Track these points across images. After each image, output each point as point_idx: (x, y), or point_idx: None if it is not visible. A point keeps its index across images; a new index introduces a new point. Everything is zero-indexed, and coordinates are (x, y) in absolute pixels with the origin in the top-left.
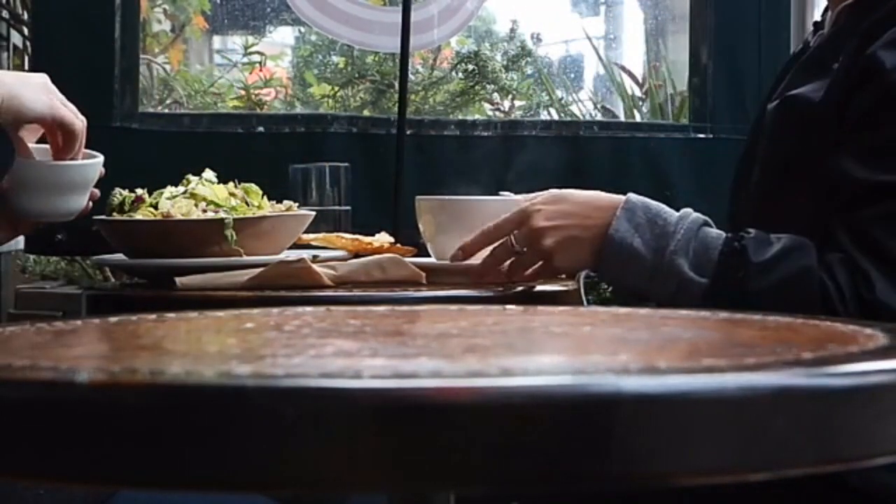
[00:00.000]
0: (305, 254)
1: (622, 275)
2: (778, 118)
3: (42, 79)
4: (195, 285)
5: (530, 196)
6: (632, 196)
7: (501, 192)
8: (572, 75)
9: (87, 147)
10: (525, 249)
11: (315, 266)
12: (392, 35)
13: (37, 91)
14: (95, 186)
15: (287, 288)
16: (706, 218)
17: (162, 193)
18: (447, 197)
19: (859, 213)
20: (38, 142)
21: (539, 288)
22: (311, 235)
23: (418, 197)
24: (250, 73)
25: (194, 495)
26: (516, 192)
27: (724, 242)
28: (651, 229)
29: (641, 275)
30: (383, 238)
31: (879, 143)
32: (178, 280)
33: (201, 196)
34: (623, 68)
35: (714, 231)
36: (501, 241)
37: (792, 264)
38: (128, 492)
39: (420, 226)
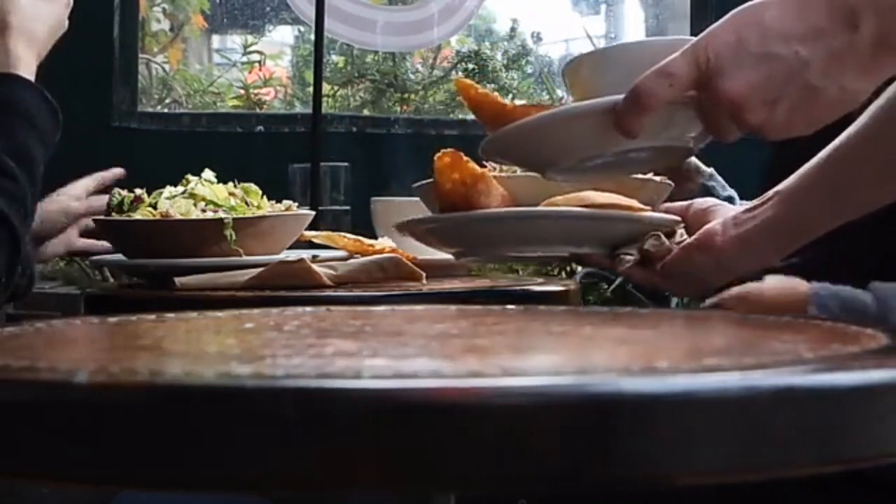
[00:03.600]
0: (305, 254)
1: None
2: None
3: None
4: (195, 285)
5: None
6: (818, 289)
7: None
8: None
9: (86, 146)
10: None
11: (315, 266)
12: (392, 34)
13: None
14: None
15: (287, 288)
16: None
17: (161, 193)
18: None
19: None
20: None
21: (539, 288)
22: (313, 233)
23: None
24: (250, 72)
25: (194, 495)
26: None
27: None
28: (850, 316)
29: None
30: (385, 242)
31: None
32: (178, 280)
33: (200, 196)
34: None
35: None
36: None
37: None
38: (129, 492)
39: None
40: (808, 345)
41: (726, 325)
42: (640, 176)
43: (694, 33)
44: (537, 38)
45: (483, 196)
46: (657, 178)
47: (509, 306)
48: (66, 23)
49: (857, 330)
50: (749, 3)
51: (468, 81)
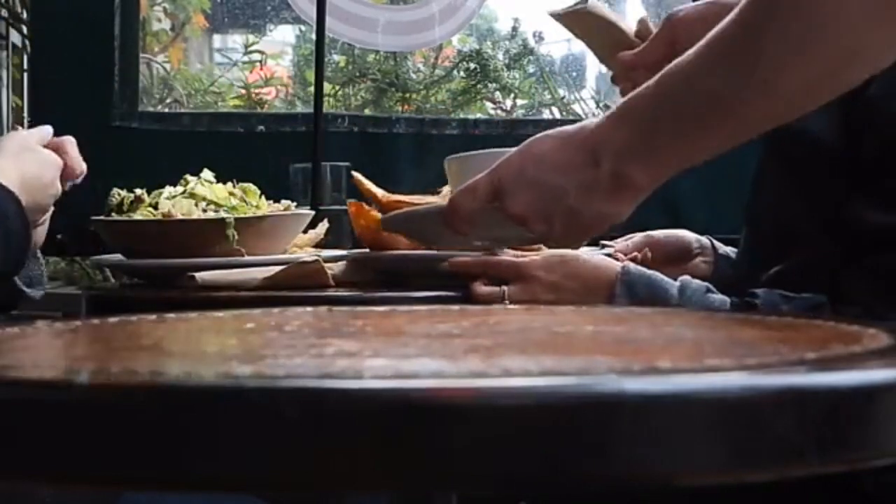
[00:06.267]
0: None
1: None
2: (780, 145)
3: (36, 166)
4: (211, 282)
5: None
6: (630, 267)
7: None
8: (574, 74)
9: (86, 146)
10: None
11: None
12: (394, 34)
13: (42, 188)
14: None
15: (299, 288)
16: (708, 284)
17: (161, 193)
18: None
19: (875, 260)
20: None
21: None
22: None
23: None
24: (251, 71)
25: (195, 496)
26: None
27: (732, 306)
28: (653, 302)
29: None
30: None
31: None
32: (198, 276)
33: (201, 196)
34: None
35: (718, 297)
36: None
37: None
38: (132, 493)
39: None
40: (809, 345)
41: (727, 325)
42: None
43: None
44: (539, 37)
45: (389, 237)
46: None
47: (510, 306)
48: (57, 188)
49: (858, 330)
50: (534, 137)
51: (359, 177)
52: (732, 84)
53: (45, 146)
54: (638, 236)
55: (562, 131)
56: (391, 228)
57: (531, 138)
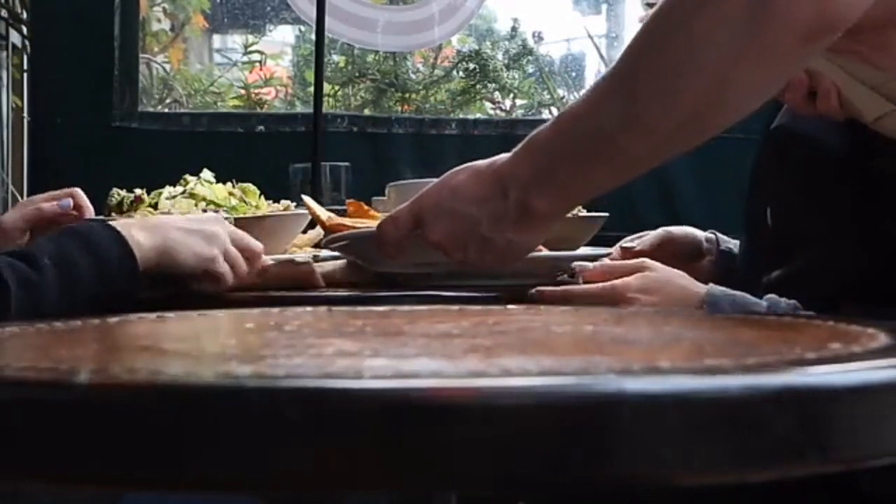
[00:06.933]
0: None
1: None
2: (783, 149)
3: (214, 225)
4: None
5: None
6: (714, 289)
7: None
8: (574, 74)
9: (87, 146)
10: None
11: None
12: (393, 34)
13: (197, 243)
14: None
15: (286, 288)
16: (795, 302)
17: (161, 193)
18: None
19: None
20: None
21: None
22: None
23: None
24: (250, 72)
25: (195, 495)
26: None
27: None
28: None
29: None
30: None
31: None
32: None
33: (201, 196)
34: None
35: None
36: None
37: None
38: (133, 494)
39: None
40: (809, 345)
41: (727, 326)
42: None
43: None
44: (538, 37)
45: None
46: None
47: (510, 306)
48: (217, 265)
49: (858, 330)
50: (452, 170)
51: (308, 200)
52: (614, 121)
53: (55, 199)
54: (656, 233)
55: (476, 165)
56: (332, 249)
57: (450, 171)
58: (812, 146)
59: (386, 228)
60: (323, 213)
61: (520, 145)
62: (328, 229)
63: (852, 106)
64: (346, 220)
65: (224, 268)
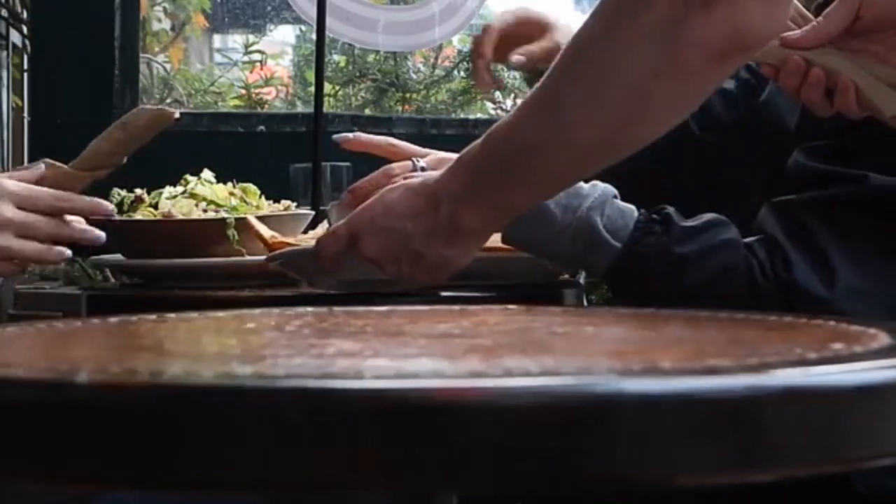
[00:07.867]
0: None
1: (530, 234)
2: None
3: None
4: None
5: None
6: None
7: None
8: None
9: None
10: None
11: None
12: (394, 34)
13: None
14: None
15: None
16: (615, 190)
17: (161, 193)
18: None
19: (789, 199)
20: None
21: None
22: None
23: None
24: (251, 71)
25: (190, 495)
26: None
27: (644, 209)
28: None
29: (549, 232)
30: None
31: (823, 136)
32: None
33: (201, 196)
34: None
35: (626, 204)
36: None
37: (716, 234)
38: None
39: None
40: (809, 345)
41: (727, 326)
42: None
43: None
44: None
45: None
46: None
47: (510, 306)
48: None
49: (859, 329)
50: (388, 186)
51: (251, 219)
52: (539, 135)
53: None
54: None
55: (411, 181)
56: (273, 266)
57: (386, 187)
58: (776, 124)
59: (325, 244)
60: (266, 232)
61: (453, 161)
62: (272, 247)
63: (871, 103)
64: (290, 239)
65: (20, 245)
